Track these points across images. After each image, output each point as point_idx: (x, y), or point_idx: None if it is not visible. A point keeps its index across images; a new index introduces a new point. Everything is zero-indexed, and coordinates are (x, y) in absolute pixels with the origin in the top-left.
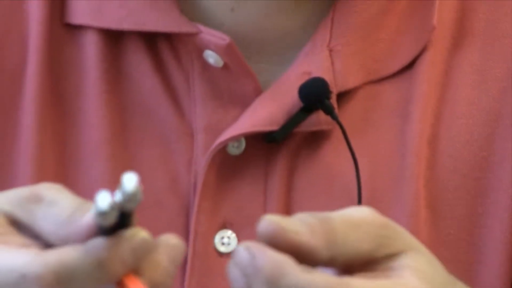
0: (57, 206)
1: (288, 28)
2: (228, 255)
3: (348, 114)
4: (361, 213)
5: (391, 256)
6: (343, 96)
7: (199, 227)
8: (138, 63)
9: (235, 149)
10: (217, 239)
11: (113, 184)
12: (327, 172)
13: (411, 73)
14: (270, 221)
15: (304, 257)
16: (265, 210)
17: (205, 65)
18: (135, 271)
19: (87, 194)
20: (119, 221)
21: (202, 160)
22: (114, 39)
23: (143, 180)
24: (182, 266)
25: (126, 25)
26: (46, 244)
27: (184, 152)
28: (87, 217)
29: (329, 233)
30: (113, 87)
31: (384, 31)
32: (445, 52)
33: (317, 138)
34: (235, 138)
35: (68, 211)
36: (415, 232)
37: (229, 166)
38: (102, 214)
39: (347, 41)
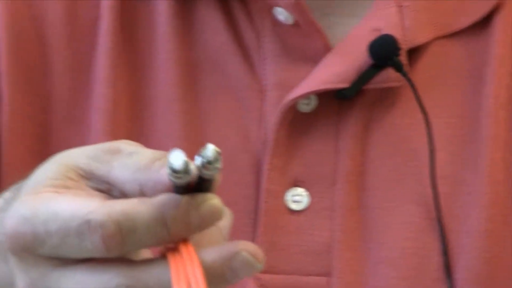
0: (137, 155)
1: None
2: (299, 212)
3: (419, 70)
4: None
5: None
6: (413, 52)
7: (270, 185)
8: (210, 20)
9: (306, 106)
10: (288, 196)
11: (185, 140)
12: (400, 132)
13: (486, 33)
14: None
15: None
16: (336, 168)
17: (275, 22)
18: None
19: (160, 149)
20: (197, 185)
21: (272, 117)
22: None
23: (214, 136)
24: (252, 223)
25: None
26: (118, 196)
27: (254, 109)
28: (165, 170)
29: None
30: (185, 43)
31: None
32: None
33: (389, 97)
34: (305, 96)
35: (150, 157)
36: (491, 192)
37: (300, 123)
38: (174, 172)
39: None
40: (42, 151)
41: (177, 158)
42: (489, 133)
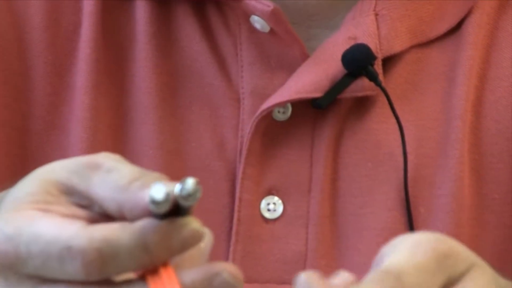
0: (117, 172)
1: None
2: (274, 221)
3: (395, 78)
4: (424, 253)
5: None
6: (389, 60)
7: (244, 194)
8: (186, 28)
9: (281, 115)
10: (263, 205)
11: (161, 149)
12: (373, 138)
13: (457, 36)
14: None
15: None
16: (311, 176)
17: (252, 30)
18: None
19: (137, 157)
20: (175, 209)
21: (248, 126)
22: (163, 4)
23: (190, 144)
24: (227, 232)
25: None
26: (99, 212)
27: (231, 117)
28: (145, 193)
29: None
30: (162, 51)
31: None
32: (491, 14)
33: (364, 104)
34: (280, 105)
35: (128, 177)
36: (459, 197)
37: (275, 131)
38: (155, 203)
39: (394, 4)
40: (21, 156)
41: (159, 191)
42: (458, 135)
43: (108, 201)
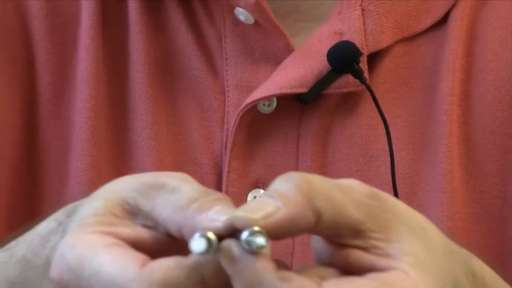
0: (178, 193)
1: None
2: None
3: (383, 72)
4: (348, 181)
5: (384, 233)
6: (377, 54)
7: (231, 187)
8: (173, 20)
9: (266, 107)
10: (249, 198)
11: (153, 139)
12: (364, 133)
13: (443, 30)
14: (237, 220)
15: (292, 228)
16: (297, 169)
17: (236, 22)
18: None
19: (133, 148)
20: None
21: (233, 119)
22: None
23: (178, 136)
24: None
25: None
26: (164, 233)
27: (216, 110)
28: (202, 218)
29: (308, 192)
30: (152, 42)
31: None
32: (473, 6)
33: (353, 99)
34: (264, 99)
35: (187, 198)
36: (450, 191)
37: (260, 124)
38: (198, 254)
39: None
40: (30, 143)
41: (199, 245)
42: (445, 130)
43: (169, 222)
